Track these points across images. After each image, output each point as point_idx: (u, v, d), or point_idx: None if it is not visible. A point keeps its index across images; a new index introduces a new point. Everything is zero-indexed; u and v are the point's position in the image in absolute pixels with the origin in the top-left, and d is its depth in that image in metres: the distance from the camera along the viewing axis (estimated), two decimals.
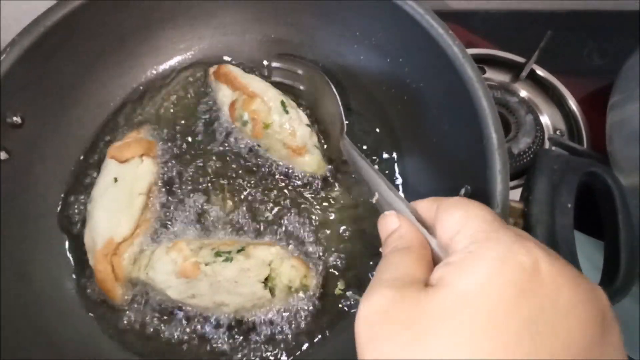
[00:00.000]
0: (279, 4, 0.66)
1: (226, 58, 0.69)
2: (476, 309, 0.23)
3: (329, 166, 0.61)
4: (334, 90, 0.60)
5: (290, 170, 0.61)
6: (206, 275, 0.51)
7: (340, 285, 0.56)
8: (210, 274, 0.51)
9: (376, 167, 0.45)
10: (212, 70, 0.66)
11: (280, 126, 0.59)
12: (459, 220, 0.29)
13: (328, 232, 0.59)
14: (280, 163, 0.62)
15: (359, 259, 0.58)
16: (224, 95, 0.63)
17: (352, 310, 0.55)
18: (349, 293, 0.56)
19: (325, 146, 0.63)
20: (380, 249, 0.35)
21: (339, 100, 0.59)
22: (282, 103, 0.60)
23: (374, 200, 0.40)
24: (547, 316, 0.23)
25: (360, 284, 0.56)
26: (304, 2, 0.64)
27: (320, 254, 0.57)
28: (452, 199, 0.32)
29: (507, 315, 0.22)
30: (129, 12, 0.62)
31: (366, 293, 0.28)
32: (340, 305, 0.55)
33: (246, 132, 0.62)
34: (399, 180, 0.62)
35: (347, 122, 0.58)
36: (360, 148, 0.63)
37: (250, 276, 0.51)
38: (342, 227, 0.59)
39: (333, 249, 0.58)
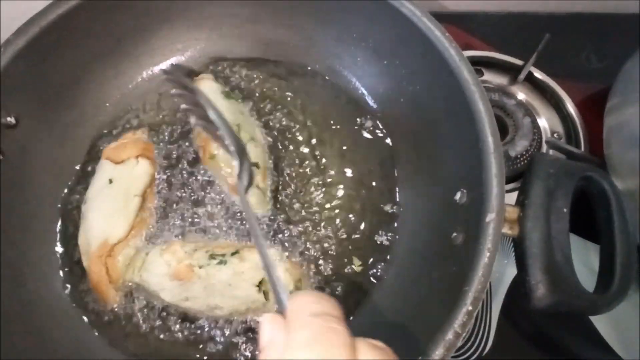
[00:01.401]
0: (276, 6, 0.65)
1: (223, 59, 0.69)
2: None
3: (269, 208, 0.59)
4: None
5: None
6: (200, 278, 0.51)
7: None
8: (204, 277, 0.51)
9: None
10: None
11: (223, 161, 0.58)
12: None
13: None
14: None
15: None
16: None
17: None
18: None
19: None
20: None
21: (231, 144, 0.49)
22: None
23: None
24: None
25: None
26: (301, 4, 0.64)
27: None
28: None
29: None
30: (126, 13, 0.62)
31: None
32: None
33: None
34: (396, 183, 0.62)
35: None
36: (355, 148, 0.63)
37: (244, 279, 0.51)
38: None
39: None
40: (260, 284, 0.52)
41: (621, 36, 0.82)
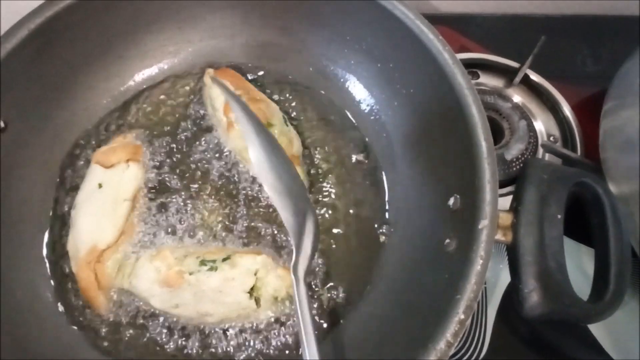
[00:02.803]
0: (269, 7, 0.65)
1: (215, 62, 0.68)
2: None
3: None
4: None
5: None
6: (190, 285, 0.50)
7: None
8: (194, 283, 0.50)
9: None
10: (212, 69, 0.65)
11: (280, 132, 0.59)
12: None
13: None
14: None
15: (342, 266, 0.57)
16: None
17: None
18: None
19: None
20: None
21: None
22: (284, 117, 0.61)
23: None
24: None
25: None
26: (294, 6, 0.63)
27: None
28: None
29: None
30: (117, 15, 0.61)
31: None
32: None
33: (236, 127, 0.59)
34: (388, 188, 0.61)
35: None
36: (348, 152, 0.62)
37: (235, 286, 0.50)
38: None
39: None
40: (251, 291, 0.51)
41: (617, 39, 0.82)
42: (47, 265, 0.57)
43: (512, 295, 0.44)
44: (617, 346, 0.56)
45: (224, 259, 0.52)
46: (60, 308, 0.55)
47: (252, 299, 0.51)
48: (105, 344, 0.53)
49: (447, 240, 0.48)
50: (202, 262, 0.52)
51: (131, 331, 0.53)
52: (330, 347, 0.52)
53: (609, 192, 0.46)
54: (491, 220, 0.43)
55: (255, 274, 0.52)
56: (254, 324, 0.53)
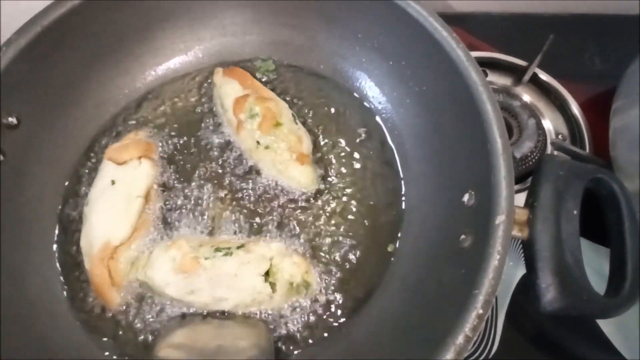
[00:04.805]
0: (280, 5, 0.65)
1: (226, 60, 0.68)
2: None
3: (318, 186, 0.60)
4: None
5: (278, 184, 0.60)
6: (205, 270, 0.50)
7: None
8: (210, 268, 0.50)
9: None
10: (221, 69, 0.65)
11: (289, 130, 0.59)
12: None
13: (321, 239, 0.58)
14: (271, 174, 0.61)
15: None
16: (232, 88, 0.62)
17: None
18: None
19: None
20: None
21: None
22: (293, 115, 0.61)
23: None
24: None
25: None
26: (305, 4, 0.64)
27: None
28: None
29: None
30: (128, 12, 0.61)
31: None
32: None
33: (246, 127, 0.59)
34: (401, 185, 0.61)
35: None
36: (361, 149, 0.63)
37: (250, 269, 0.51)
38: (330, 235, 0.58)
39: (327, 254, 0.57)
40: (266, 275, 0.51)
41: (624, 37, 0.82)
42: (58, 262, 0.57)
43: (529, 290, 0.44)
44: (627, 341, 0.56)
45: (239, 247, 0.53)
46: (75, 304, 0.55)
47: (266, 283, 0.51)
48: (116, 341, 0.53)
49: (463, 236, 0.48)
50: (217, 249, 0.52)
51: (143, 329, 0.53)
52: (345, 345, 0.52)
53: (625, 188, 0.46)
54: (508, 215, 0.43)
55: (270, 259, 0.52)
56: (270, 310, 0.53)
